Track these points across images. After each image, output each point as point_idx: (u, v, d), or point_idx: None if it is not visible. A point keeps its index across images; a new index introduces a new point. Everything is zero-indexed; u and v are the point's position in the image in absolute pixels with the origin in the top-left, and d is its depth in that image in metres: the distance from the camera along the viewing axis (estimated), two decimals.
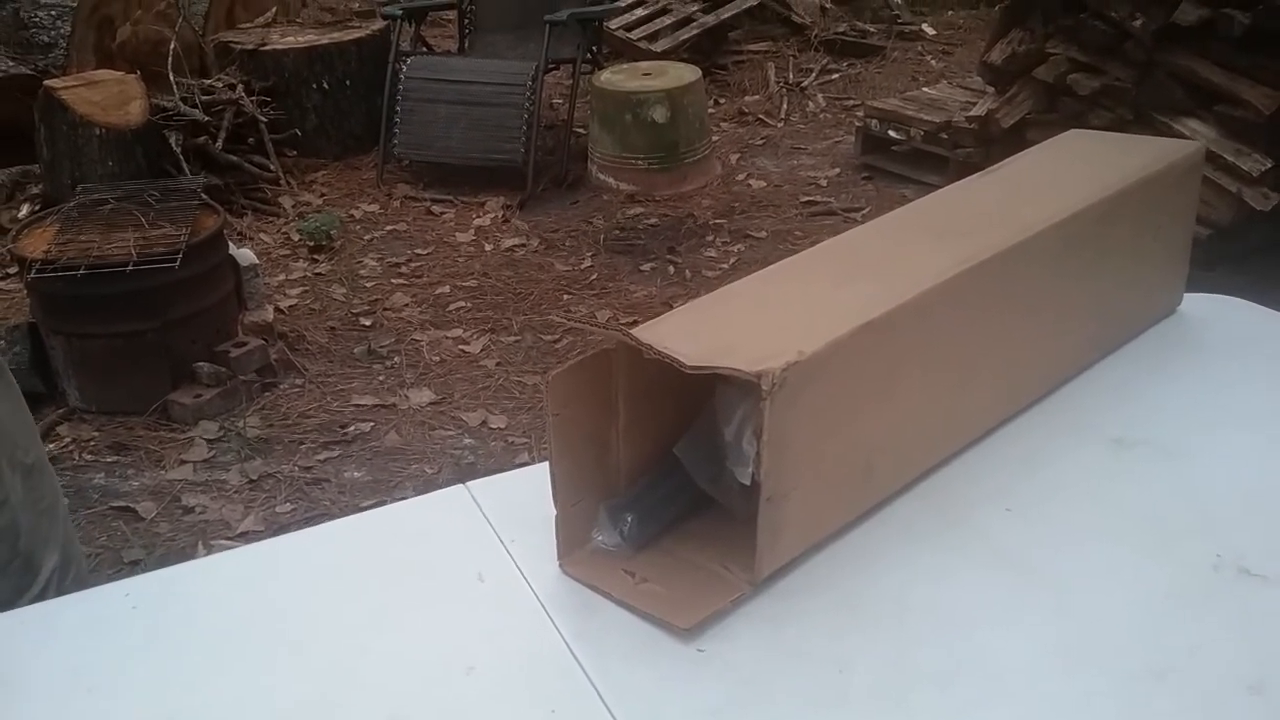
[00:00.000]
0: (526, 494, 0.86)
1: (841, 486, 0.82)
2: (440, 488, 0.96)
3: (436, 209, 4.34)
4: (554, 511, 0.79)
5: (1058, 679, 0.70)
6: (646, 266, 3.85)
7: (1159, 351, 1.10)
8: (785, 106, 5.29)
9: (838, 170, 4.60)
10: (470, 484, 0.93)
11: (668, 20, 5.63)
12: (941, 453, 0.91)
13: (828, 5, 6.18)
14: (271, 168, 4.40)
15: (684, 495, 0.82)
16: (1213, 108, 3.32)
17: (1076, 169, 1.07)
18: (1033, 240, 0.92)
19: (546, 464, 0.80)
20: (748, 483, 0.74)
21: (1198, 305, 1.22)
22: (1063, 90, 3.62)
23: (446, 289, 3.71)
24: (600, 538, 0.81)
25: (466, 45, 4.84)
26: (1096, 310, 1.05)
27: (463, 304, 3.60)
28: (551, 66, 4.57)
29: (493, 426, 2.92)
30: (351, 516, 0.94)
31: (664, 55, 5.28)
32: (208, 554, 2.36)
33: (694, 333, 0.77)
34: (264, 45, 4.62)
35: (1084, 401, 1.01)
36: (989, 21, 5.74)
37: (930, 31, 6.22)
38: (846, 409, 0.79)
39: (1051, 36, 3.63)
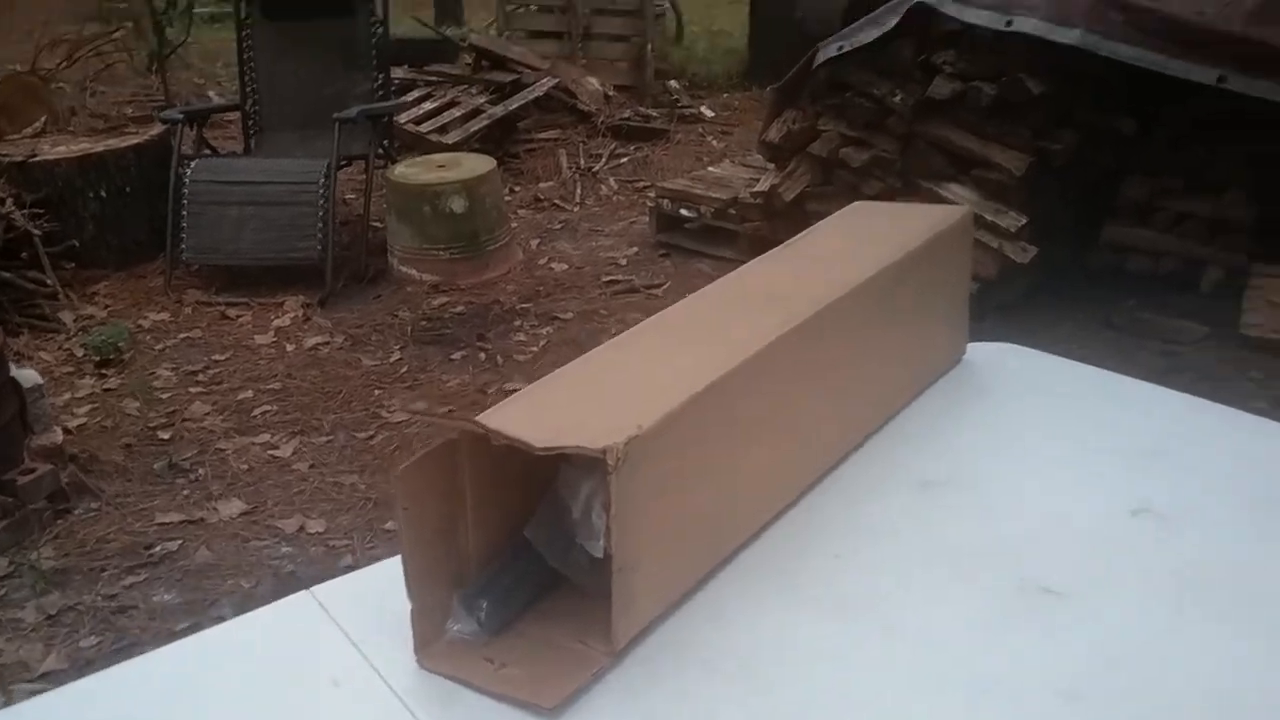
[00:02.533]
0: (375, 592, 0.85)
1: (687, 549, 0.86)
2: (261, 601, 0.93)
3: (232, 312, 4.20)
4: (408, 606, 0.80)
5: (900, 703, 0.75)
6: (457, 355, 3.84)
7: (951, 398, 1.20)
8: (579, 191, 5.43)
9: (635, 249, 4.74)
10: (315, 589, 0.92)
11: (457, 112, 5.70)
12: (775, 507, 0.96)
13: (611, 93, 6.41)
14: (49, 282, 4.16)
15: (537, 576, 0.84)
16: (970, 172, 3.63)
17: (865, 238, 1.17)
18: (835, 305, 1.00)
19: (391, 560, 0.80)
20: (600, 555, 0.77)
21: (981, 353, 1.33)
22: (836, 163, 3.88)
23: (249, 394, 3.58)
24: (456, 627, 0.82)
25: (253, 145, 4.75)
26: (895, 364, 1.15)
27: (268, 408, 3.49)
28: (344, 163, 4.54)
29: (311, 532, 2.82)
30: (186, 639, 0.90)
31: (455, 147, 5.33)
32: (8, 703, 2.17)
33: (536, 416, 0.80)
34: (34, 156, 4.40)
35: (891, 450, 1.09)
36: (762, 102, 6.10)
37: (709, 114, 6.54)
38: (686, 475, 0.83)
39: (821, 114, 3.90)
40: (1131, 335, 3.54)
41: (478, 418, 0.79)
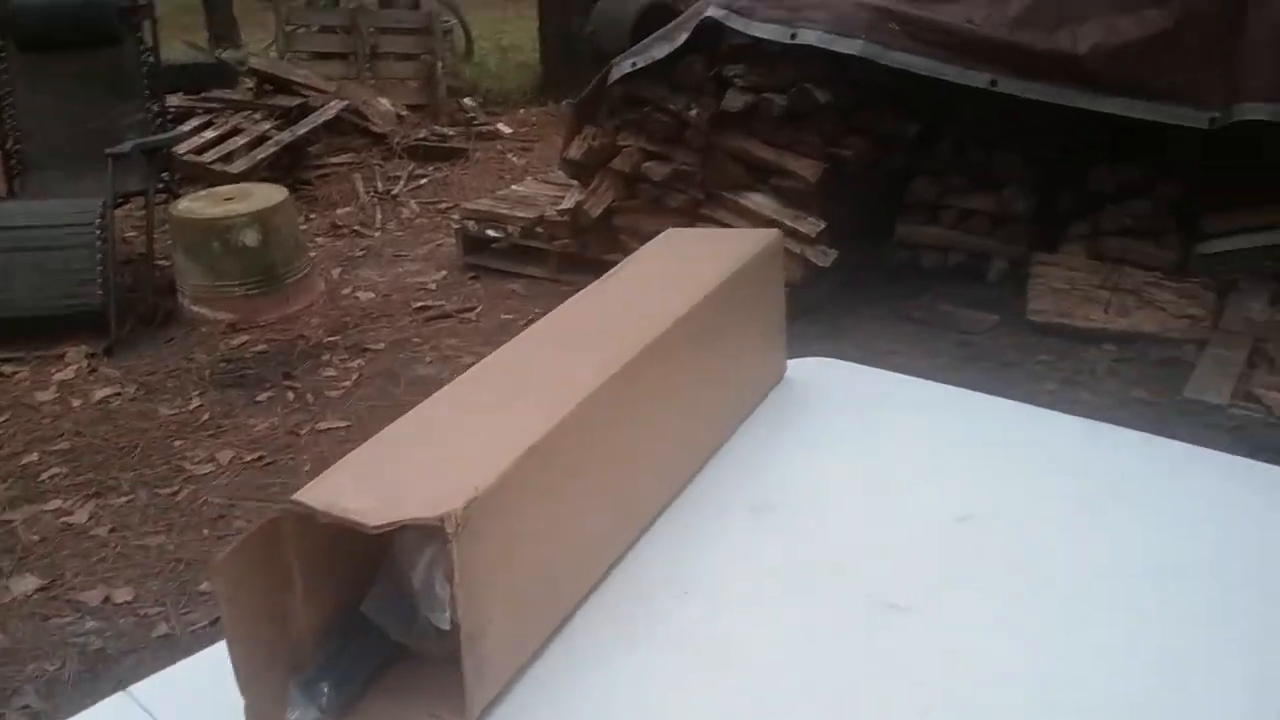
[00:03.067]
0: (200, 685, 0.79)
1: (536, 608, 0.83)
2: (68, 685, 0.85)
3: (6, 369, 3.87)
4: (240, 701, 0.74)
5: None
6: (263, 397, 3.66)
7: (777, 418, 1.22)
8: (379, 215, 5.29)
9: (444, 273, 4.65)
10: (133, 689, 0.84)
11: (241, 140, 5.46)
12: (618, 550, 0.95)
13: (404, 113, 6.28)
14: None
15: (378, 651, 0.79)
16: (769, 181, 3.74)
17: (680, 269, 1.17)
18: (658, 342, 0.99)
19: (218, 648, 0.74)
20: (447, 627, 0.73)
21: (801, 370, 1.36)
22: (639, 178, 3.92)
23: (34, 457, 3.31)
24: (295, 715, 0.77)
25: (17, 187, 4.40)
26: (721, 392, 1.15)
27: (57, 470, 3.23)
28: (121, 200, 4.26)
29: (118, 602, 2.62)
30: None
31: (242, 176, 5.10)
32: None
33: (364, 485, 0.76)
34: None
35: (722, 477, 1.09)
36: (559, 116, 6.11)
37: (507, 130, 6.50)
38: (528, 532, 0.80)
39: (621, 130, 3.94)
40: (931, 327, 3.72)
41: (300, 494, 0.74)
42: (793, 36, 3.48)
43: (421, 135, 6.10)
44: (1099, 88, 3.27)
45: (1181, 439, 2.90)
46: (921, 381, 1.36)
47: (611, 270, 1.21)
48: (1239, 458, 1.15)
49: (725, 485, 1.07)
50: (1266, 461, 2.42)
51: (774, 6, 3.55)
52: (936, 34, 3.38)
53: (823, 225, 3.63)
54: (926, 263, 3.96)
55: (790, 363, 1.35)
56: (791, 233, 3.66)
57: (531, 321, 3.87)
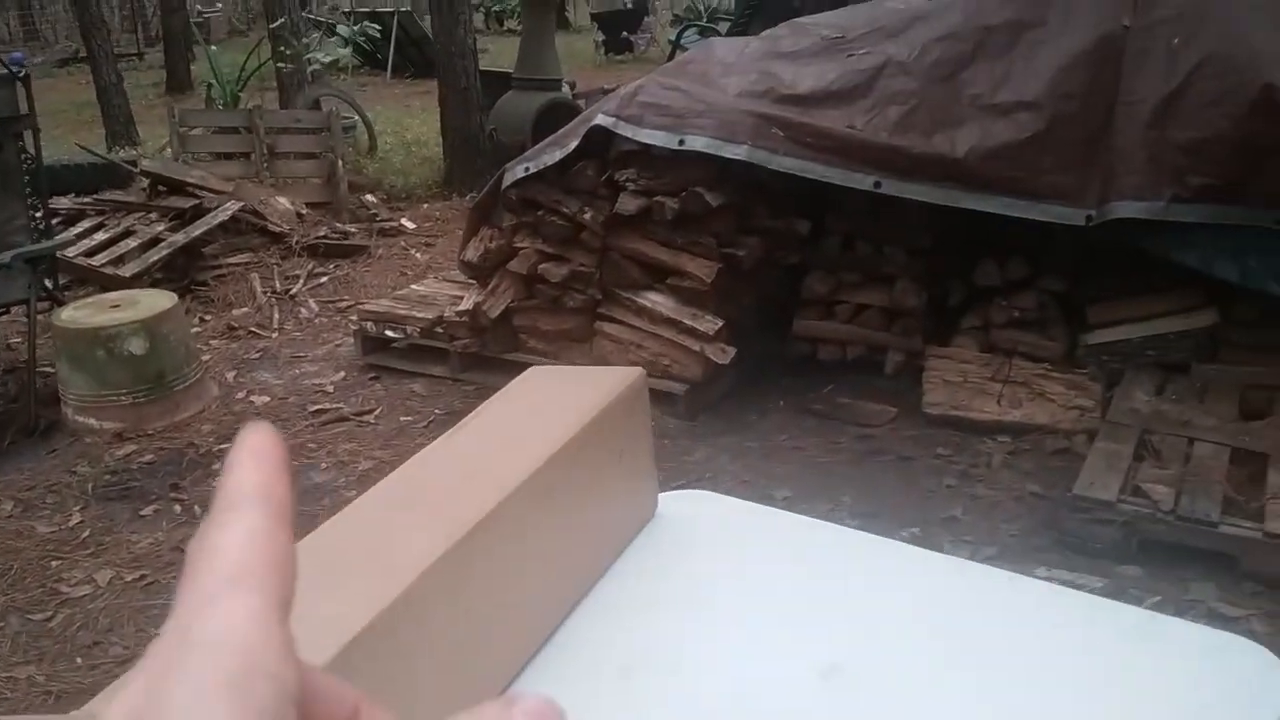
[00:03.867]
0: None
1: None
2: None
3: None
4: None
5: None
6: (148, 510, 3.51)
7: (648, 562, 1.18)
8: (277, 316, 5.18)
9: (343, 374, 4.55)
10: None
11: (133, 242, 5.33)
12: None
13: (304, 211, 6.21)
14: None
15: None
16: (666, 281, 3.76)
17: (542, 413, 1.14)
18: (512, 498, 0.95)
19: None
20: None
21: (674, 504, 1.33)
22: (537, 279, 3.91)
23: None
24: None
25: None
26: (584, 539, 1.11)
27: None
28: (2, 310, 4.11)
29: None
30: None
31: (134, 279, 4.96)
32: None
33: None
34: None
35: (592, 629, 1.05)
36: (463, 211, 6.11)
37: (410, 225, 6.46)
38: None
39: (518, 232, 3.93)
40: (831, 420, 3.74)
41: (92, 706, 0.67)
42: (680, 143, 3.53)
43: (322, 233, 6.02)
44: (979, 188, 3.37)
45: (1073, 534, 2.93)
46: (793, 516, 1.34)
47: (473, 412, 1.18)
48: (1100, 599, 1.15)
49: (594, 643, 1.03)
50: (1155, 562, 2.44)
51: (661, 114, 3.61)
52: (819, 139, 3.46)
53: (720, 323, 3.65)
54: (825, 356, 4.00)
55: (663, 497, 1.32)
56: (690, 331, 3.67)
57: (432, 424, 3.80)
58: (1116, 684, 0.97)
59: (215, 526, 0.28)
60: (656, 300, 3.75)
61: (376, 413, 4.13)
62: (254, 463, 0.30)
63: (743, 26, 7.54)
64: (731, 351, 3.65)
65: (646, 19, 16.09)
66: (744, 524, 1.31)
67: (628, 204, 3.65)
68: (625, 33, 15.31)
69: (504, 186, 3.90)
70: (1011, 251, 3.69)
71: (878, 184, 3.44)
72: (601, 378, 1.22)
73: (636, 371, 1.23)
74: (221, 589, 0.27)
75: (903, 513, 3.11)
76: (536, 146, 3.97)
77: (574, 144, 3.70)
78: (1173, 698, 0.94)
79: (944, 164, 3.38)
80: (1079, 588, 2.32)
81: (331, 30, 13.92)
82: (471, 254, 4.02)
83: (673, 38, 13.00)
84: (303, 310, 5.29)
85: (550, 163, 3.75)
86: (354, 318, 4.86)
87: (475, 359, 4.12)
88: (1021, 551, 2.86)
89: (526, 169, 3.81)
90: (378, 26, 13.61)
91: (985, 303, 3.76)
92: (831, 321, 3.96)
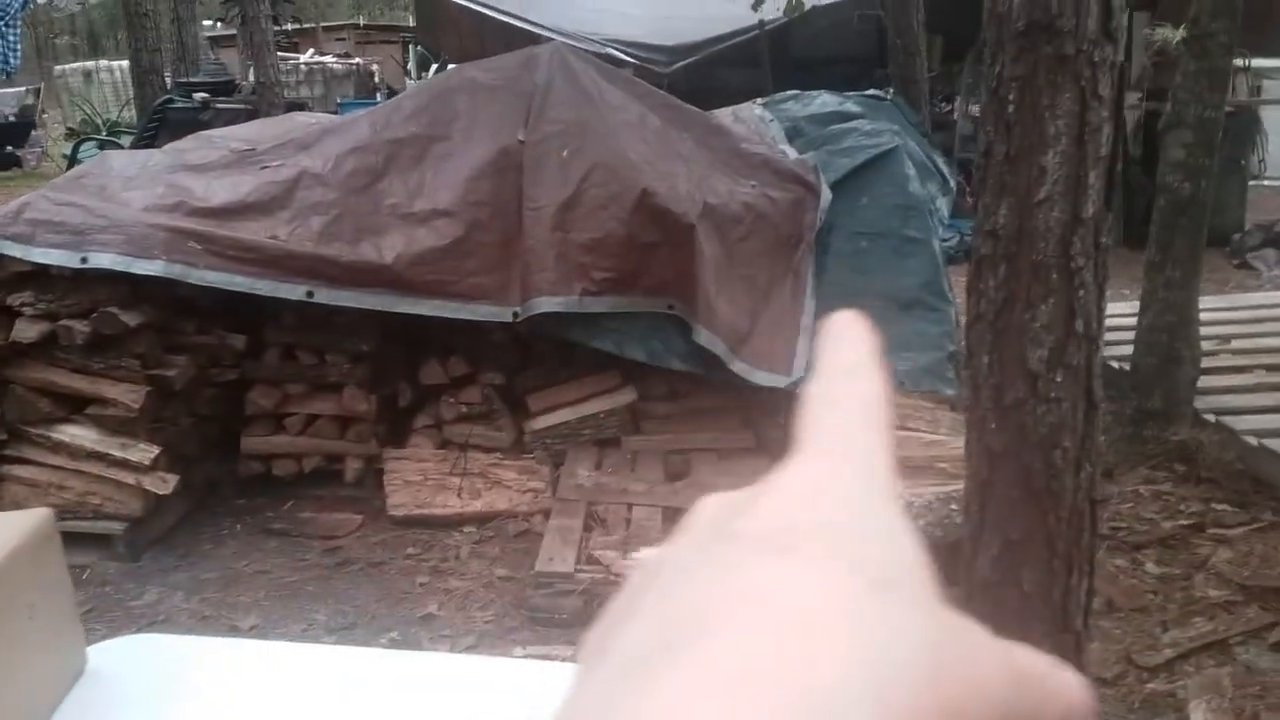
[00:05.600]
0: None
1: None
2: None
3: None
4: None
5: None
6: None
7: None
8: None
9: None
10: None
11: None
12: None
13: None
14: None
15: None
16: (86, 411, 3.37)
17: None
18: None
19: None
20: None
21: (106, 654, 1.17)
22: None
23: None
24: None
25: None
26: None
27: None
28: None
29: None
30: None
31: None
32: None
33: None
34: None
35: None
36: None
37: None
38: None
39: None
40: (295, 537, 3.58)
41: None
42: (84, 260, 3.22)
43: None
44: (411, 292, 3.48)
45: (541, 610, 3.06)
46: (252, 643, 1.25)
47: None
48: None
49: None
50: None
51: (56, 231, 3.27)
52: (243, 251, 3.36)
53: (157, 450, 3.35)
54: (280, 472, 3.83)
55: (91, 650, 1.16)
56: (122, 463, 3.33)
57: None
58: None
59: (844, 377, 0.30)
60: (76, 433, 3.35)
61: None
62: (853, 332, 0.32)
63: (149, 140, 7.14)
64: (174, 479, 3.37)
65: (34, 133, 14.59)
66: (194, 662, 1.19)
67: (27, 330, 3.24)
68: (10, 147, 13.75)
69: None
70: (453, 350, 3.84)
71: (310, 293, 3.40)
72: None
73: (40, 513, 1.07)
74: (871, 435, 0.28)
75: (379, 620, 3.06)
76: None
77: None
78: None
79: (373, 271, 3.44)
80: (553, 659, 2.43)
81: None
82: None
83: (68, 152, 11.95)
84: None
85: None
86: None
87: None
88: (497, 635, 2.93)
89: None
90: None
91: (435, 401, 3.86)
92: (283, 435, 3.81)
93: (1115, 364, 4.04)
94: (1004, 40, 1.60)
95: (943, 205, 4.44)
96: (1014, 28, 1.57)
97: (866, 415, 0.29)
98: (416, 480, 3.66)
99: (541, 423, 3.84)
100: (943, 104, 9.00)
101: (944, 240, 4.45)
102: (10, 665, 0.99)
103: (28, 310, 3.26)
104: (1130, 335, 3.99)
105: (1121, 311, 4.34)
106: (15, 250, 3.22)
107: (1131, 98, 6.60)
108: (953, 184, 4.83)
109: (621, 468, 3.71)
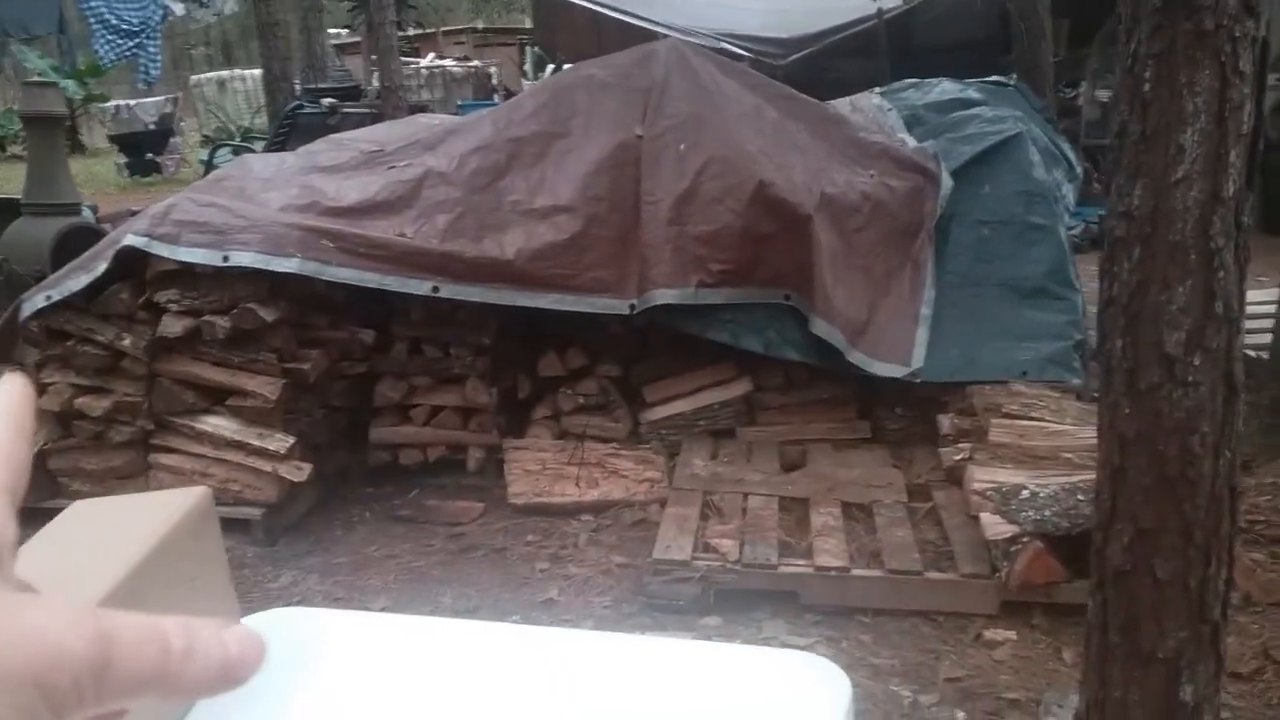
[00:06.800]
0: None
1: None
2: None
3: None
4: None
5: None
6: None
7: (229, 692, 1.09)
8: None
9: None
10: None
11: None
12: None
13: None
14: None
15: None
16: (226, 402, 3.53)
17: (93, 549, 1.02)
18: None
19: None
20: None
21: (258, 625, 1.23)
22: (74, 415, 3.52)
23: None
24: None
25: None
26: None
27: None
28: None
29: None
30: None
31: None
32: None
33: None
34: None
35: None
36: None
37: None
38: None
39: (44, 366, 3.53)
40: (421, 523, 3.69)
41: None
42: (225, 259, 3.38)
43: None
44: (531, 286, 3.55)
45: (658, 596, 3.09)
46: (388, 617, 1.30)
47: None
48: (685, 640, 1.22)
49: None
50: (731, 609, 2.62)
51: (200, 231, 3.44)
52: (372, 248, 3.48)
53: (292, 440, 3.49)
54: (407, 461, 3.95)
55: (244, 621, 1.22)
56: (260, 451, 3.48)
57: None
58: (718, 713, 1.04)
59: None
60: (218, 424, 3.51)
61: None
62: (3, 392, 0.38)
63: (279, 144, 7.42)
64: (308, 468, 3.51)
65: (173, 140, 15.29)
66: (336, 633, 1.24)
67: (172, 326, 3.41)
68: (150, 154, 14.44)
69: (22, 319, 3.49)
70: (571, 343, 3.91)
71: (435, 289, 3.50)
72: (159, 504, 1.12)
73: (199, 491, 1.14)
74: None
75: (502, 603, 3.13)
76: (58, 273, 3.61)
77: (103, 267, 3.41)
78: (750, 713, 1.03)
79: (496, 266, 3.53)
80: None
81: None
82: None
83: (204, 158, 12.47)
84: None
85: (76, 289, 3.42)
86: None
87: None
88: (615, 620, 2.98)
89: (49, 297, 3.44)
90: None
91: (553, 393, 3.93)
92: (409, 426, 3.93)
93: (1253, 353, 3.87)
94: (1140, 16, 1.55)
95: (1069, 192, 4.32)
96: (1151, 3, 1.53)
97: None
98: (536, 469, 3.73)
99: (657, 414, 3.88)
100: (1068, 90, 8.72)
101: (1070, 228, 4.33)
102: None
103: (173, 307, 3.44)
104: (1269, 324, 3.81)
105: (1260, 299, 4.15)
106: (163, 250, 3.40)
107: (1269, 78, 6.30)
108: (1079, 170, 4.69)
109: (737, 458, 3.72)
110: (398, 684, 1.12)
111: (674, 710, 1.04)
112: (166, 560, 1.03)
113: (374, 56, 10.35)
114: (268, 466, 3.49)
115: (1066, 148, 4.70)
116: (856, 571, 2.97)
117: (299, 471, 3.51)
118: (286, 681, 1.14)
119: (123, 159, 14.49)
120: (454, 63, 15.37)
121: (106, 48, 14.91)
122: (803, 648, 2.75)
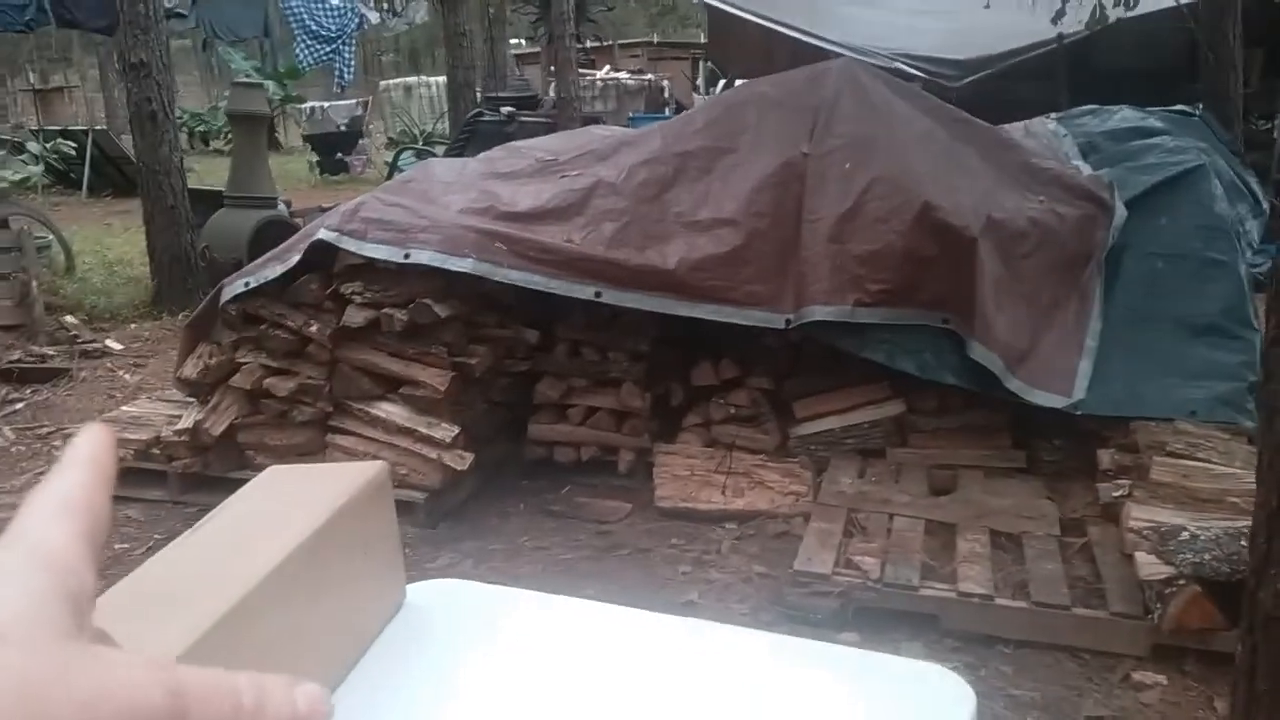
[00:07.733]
0: None
1: None
2: None
3: None
4: None
5: None
6: None
7: (396, 649, 1.20)
8: None
9: None
10: None
11: None
12: None
13: None
14: None
15: None
16: (399, 390, 3.76)
17: (284, 510, 1.15)
18: (261, 588, 0.96)
19: None
20: None
21: (422, 594, 1.35)
22: (262, 394, 3.80)
23: None
24: None
25: None
26: (334, 628, 1.13)
27: None
28: None
29: None
30: None
31: None
32: None
33: None
34: None
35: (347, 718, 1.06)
36: (176, 331, 5.84)
37: (117, 346, 6.10)
38: None
39: (239, 347, 3.82)
40: (571, 519, 3.83)
41: None
42: (406, 256, 3.59)
43: (15, 357, 5.57)
44: (690, 296, 3.64)
45: (797, 607, 3.12)
46: (541, 595, 1.40)
47: (212, 512, 1.17)
48: (820, 643, 1.27)
49: None
50: (869, 627, 2.64)
51: (385, 229, 3.66)
52: (541, 253, 3.63)
53: (457, 430, 3.68)
54: (561, 457, 4.10)
55: (410, 588, 1.34)
56: (426, 439, 3.68)
57: (151, 550, 3.59)
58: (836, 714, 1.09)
59: (52, 476, 0.38)
60: (390, 410, 3.74)
61: None
62: (88, 439, 0.39)
63: (459, 149, 7.75)
64: (470, 457, 3.69)
65: (361, 141, 16.12)
66: (495, 606, 1.35)
67: (355, 316, 3.65)
68: (340, 154, 15.26)
69: (222, 302, 3.80)
70: (725, 354, 3.98)
71: (598, 294, 3.63)
72: (343, 473, 1.24)
73: (379, 465, 1.26)
74: (48, 514, 0.36)
75: (644, 601, 3.19)
76: (256, 261, 3.91)
77: (296, 258, 3.68)
78: (869, 714, 1.08)
79: (657, 275, 3.63)
80: None
81: (19, 148, 13.03)
82: (190, 371, 3.86)
83: (389, 159, 13.07)
84: None
85: (271, 277, 3.70)
86: (57, 444, 4.50)
87: (197, 479, 3.91)
88: (752, 627, 3.02)
89: (247, 284, 3.73)
90: (73, 144, 12.89)
91: (704, 401, 4.01)
92: (565, 424, 4.08)
93: None
94: None
95: (1253, 228, 4.13)
96: None
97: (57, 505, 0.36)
98: (684, 475, 3.82)
99: (807, 429, 3.91)
100: (1261, 122, 8.26)
101: (1254, 266, 4.14)
102: (352, 594, 1.18)
103: (357, 298, 3.68)
104: None
105: None
106: (351, 245, 3.65)
107: None
108: (1265, 205, 4.47)
109: (885, 478, 3.71)
110: (547, 657, 1.21)
111: (799, 706, 1.10)
112: (346, 525, 1.15)
113: (552, 68, 10.68)
114: (433, 453, 3.68)
115: (1253, 182, 4.50)
116: (1001, 600, 2.93)
117: (462, 460, 3.68)
118: (446, 644, 1.25)
119: (315, 157, 15.35)
120: (628, 75, 15.66)
121: (305, 52, 15.86)
122: None
